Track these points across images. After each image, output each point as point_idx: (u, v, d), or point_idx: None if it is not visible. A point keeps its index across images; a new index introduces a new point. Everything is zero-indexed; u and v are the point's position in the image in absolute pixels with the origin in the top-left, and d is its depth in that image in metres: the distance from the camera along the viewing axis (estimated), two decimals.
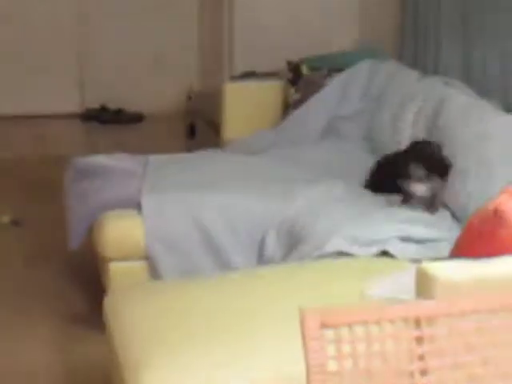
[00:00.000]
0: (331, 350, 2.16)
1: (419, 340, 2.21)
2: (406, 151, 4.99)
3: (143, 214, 4.90)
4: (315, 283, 3.96)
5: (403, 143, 5.14)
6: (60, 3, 9.60)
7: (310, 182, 5.19)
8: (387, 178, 4.99)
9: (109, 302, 4.01)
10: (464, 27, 5.58)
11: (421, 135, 5.17)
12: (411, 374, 2.21)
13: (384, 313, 2.21)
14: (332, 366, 2.16)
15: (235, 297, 3.87)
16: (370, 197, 5.02)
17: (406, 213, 4.76)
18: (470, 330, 2.22)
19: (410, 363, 2.21)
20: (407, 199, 4.87)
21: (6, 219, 6.60)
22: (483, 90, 5.32)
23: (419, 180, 4.78)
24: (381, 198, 4.95)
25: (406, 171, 4.85)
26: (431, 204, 4.80)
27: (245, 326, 3.60)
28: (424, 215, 4.72)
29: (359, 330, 2.19)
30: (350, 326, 2.18)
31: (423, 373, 2.20)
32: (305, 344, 2.15)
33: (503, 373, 2.24)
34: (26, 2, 9.52)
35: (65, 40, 9.61)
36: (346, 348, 2.17)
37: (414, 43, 6.24)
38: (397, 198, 4.93)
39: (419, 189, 4.79)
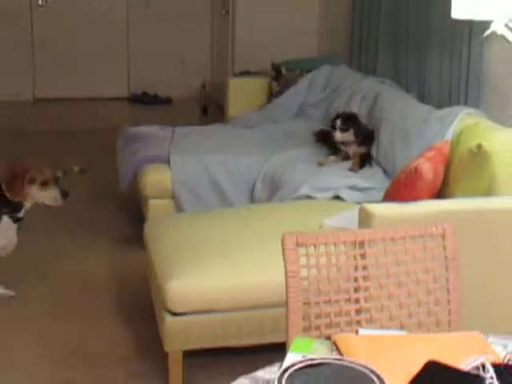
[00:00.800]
0: (303, 261, 2.17)
1: (363, 256, 2.24)
2: (336, 116, 5.01)
3: (171, 167, 4.93)
4: (290, 216, 3.97)
5: None
6: (111, 15, 9.59)
7: (283, 147, 5.17)
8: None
9: (147, 228, 4.03)
10: (394, 44, 5.55)
11: (363, 116, 5.17)
12: (357, 280, 2.22)
13: (339, 237, 2.23)
14: (303, 273, 2.17)
15: (233, 224, 3.92)
16: (322, 157, 4.99)
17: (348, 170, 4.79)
18: (398, 250, 2.25)
19: (357, 272, 2.23)
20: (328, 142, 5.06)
21: (76, 169, 6.62)
22: (406, 86, 5.31)
23: (339, 130, 4.82)
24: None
25: (332, 124, 4.94)
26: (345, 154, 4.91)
27: (240, 242, 3.64)
28: (364, 171, 4.72)
29: (322, 248, 2.20)
30: (315, 245, 2.20)
31: (366, 279, 2.23)
32: (284, 257, 2.17)
33: (419, 280, 2.25)
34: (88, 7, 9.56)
35: (117, 42, 9.60)
36: (313, 260, 2.20)
37: (359, 54, 6.20)
38: (332, 157, 4.96)
39: (337, 134, 4.83)
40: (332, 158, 4.91)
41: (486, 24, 3.14)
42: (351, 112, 5.11)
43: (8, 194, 3.89)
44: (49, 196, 4.02)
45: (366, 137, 4.92)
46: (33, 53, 9.31)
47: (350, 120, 4.91)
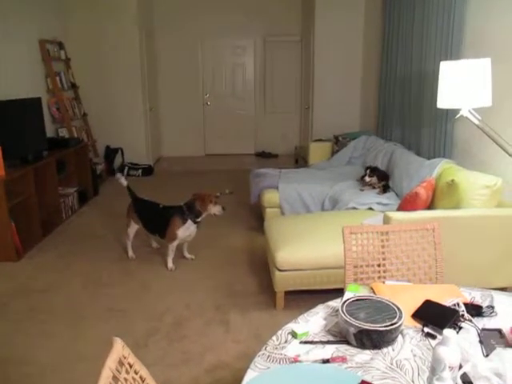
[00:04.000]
0: (353, 242, 2.13)
1: (387, 240, 2.18)
2: (367, 167, 4.91)
3: (279, 190, 4.88)
4: (344, 218, 3.89)
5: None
6: (247, 117, 9.55)
7: (340, 180, 5.07)
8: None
9: (265, 223, 4.00)
10: (402, 123, 5.43)
11: (383, 165, 5.05)
12: (384, 253, 2.17)
13: (372, 228, 2.18)
14: (353, 249, 2.13)
15: (313, 221, 3.84)
16: (361, 186, 4.87)
17: (377, 194, 4.65)
18: (407, 237, 2.19)
19: (383, 248, 2.17)
20: (364, 184, 4.83)
21: (227, 191, 6.62)
22: (408, 147, 5.17)
23: (368, 176, 4.78)
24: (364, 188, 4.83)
25: (365, 171, 4.86)
26: (378, 188, 4.72)
27: (317, 231, 3.57)
28: (385, 195, 4.59)
29: (364, 235, 2.16)
30: (361, 233, 2.16)
31: (388, 253, 2.17)
32: (343, 239, 2.14)
33: (419, 254, 2.17)
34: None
35: (249, 125, 9.47)
36: (359, 241, 2.16)
37: (382, 129, 6.07)
38: (367, 186, 4.81)
39: (367, 178, 4.77)
40: (367, 187, 4.81)
41: (456, 111, 3.04)
42: (375, 166, 4.98)
43: (200, 209, 4.01)
44: (217, 209, 4.05)
45: (385, 176, 4.79)
46: (204, 133, 9.43)
47: (373, 170, 4.81)
